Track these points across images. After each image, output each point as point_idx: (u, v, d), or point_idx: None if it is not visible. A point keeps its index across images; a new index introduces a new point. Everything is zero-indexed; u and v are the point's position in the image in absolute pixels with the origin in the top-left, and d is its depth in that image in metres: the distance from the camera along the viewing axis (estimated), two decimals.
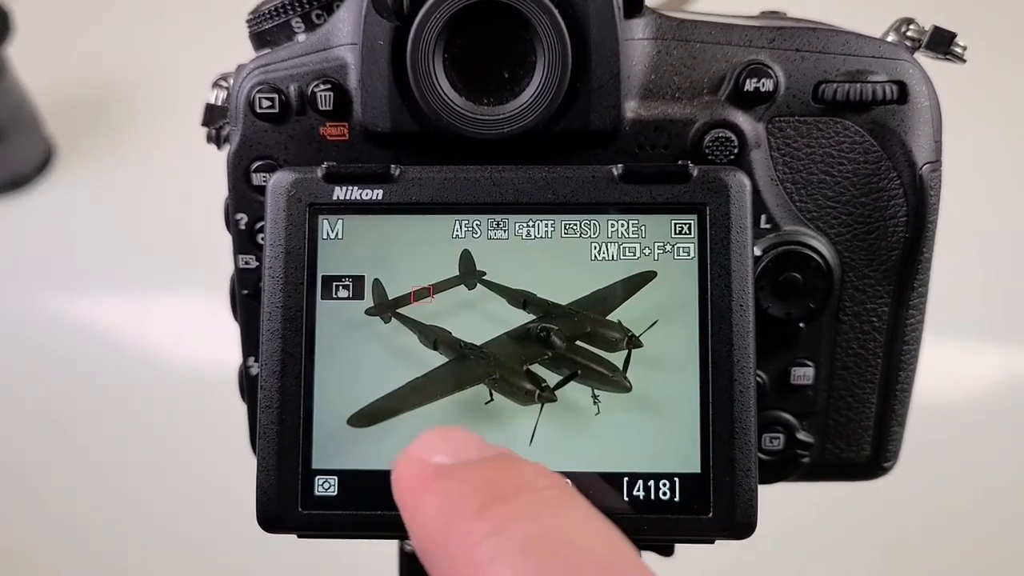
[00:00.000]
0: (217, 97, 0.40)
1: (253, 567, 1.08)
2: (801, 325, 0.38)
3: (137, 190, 1.26)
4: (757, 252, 0.37)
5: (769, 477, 0.40)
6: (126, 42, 1.36)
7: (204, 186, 1.21)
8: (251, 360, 0.38)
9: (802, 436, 0.39)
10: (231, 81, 0.39)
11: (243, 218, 0.37)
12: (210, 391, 1.15)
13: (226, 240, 0.38)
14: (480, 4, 0.34)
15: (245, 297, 0.38)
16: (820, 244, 0.37)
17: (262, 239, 0.37)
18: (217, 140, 0.40)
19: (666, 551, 0.42)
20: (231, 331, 0.40)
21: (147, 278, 1.22)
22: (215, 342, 1.19)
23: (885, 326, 0.38)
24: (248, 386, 0.39)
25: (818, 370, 0.39)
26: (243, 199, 0.37)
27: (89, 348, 1.20)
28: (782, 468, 0.40)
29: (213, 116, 0.40)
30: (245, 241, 0.38)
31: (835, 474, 0.41)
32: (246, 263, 0.38)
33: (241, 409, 0.40)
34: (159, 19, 1.37)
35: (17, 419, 1.19)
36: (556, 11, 0.34)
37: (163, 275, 1.22)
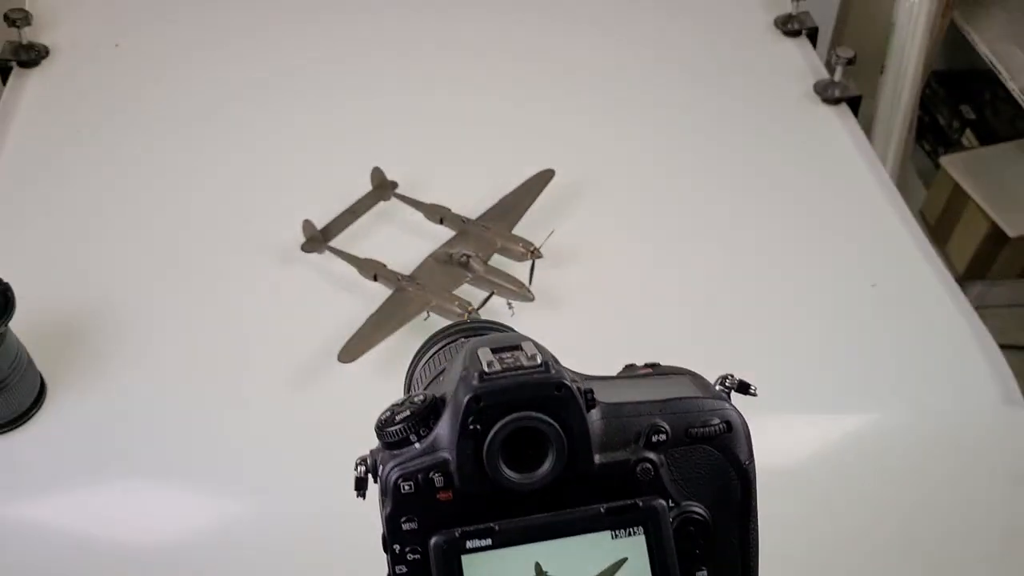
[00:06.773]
0: (359, 470, 0.70)
1: None
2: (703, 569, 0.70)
3: (124, 416, 1.46)
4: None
5: None
6: (106, 272, 1.57)
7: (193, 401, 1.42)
8: None
9: None
10: (368, 462, 0.68)
11: (396, 548, 0.67)
12: None
13: None
14: (523, 429, 0.65)
15: None
16: (701, 510, 0.71)
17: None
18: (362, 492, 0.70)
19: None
20: None
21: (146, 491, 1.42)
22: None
23: (739, 559, 0.72)
24: None
25: None
26: (397, 537, 0.67)
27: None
28: None
29: (360, 486, 0.69)
30: (399, 559, 0.67)
31: None
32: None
33: None
34: (136, 251, 1.59)
35: None
36: (556, 425, 0.66)
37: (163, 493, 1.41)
